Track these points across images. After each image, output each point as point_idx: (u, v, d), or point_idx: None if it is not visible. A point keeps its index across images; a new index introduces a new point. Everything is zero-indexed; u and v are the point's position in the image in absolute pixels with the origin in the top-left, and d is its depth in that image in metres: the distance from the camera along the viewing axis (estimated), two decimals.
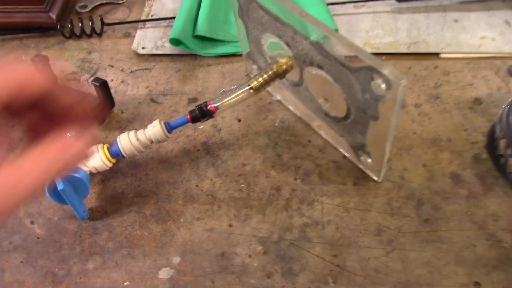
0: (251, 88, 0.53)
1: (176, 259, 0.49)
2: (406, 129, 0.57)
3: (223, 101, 0.52)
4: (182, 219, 0.52)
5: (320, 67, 0.48)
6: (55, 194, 0.49)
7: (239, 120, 0.61)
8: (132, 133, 0.52)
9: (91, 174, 0.53)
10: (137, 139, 0.52)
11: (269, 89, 0.61)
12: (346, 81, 0.45)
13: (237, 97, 0.52)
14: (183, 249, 0.50)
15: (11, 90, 0.29)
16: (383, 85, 0.40)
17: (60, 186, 0.47)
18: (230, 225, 0.51)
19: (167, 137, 0.52)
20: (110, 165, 0.53)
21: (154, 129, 0.52)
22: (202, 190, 0.54)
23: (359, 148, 0.52)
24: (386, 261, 0.47)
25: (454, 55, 0.65)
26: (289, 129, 0.59)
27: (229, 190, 0.54)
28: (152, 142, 0.52)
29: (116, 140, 0.53)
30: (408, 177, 0.53)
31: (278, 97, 0.62)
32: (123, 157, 0.52)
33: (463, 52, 0.65)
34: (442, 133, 0.57)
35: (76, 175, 0.49)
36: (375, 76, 0.41)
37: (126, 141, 0.52)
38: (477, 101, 0.60)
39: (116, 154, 0.52)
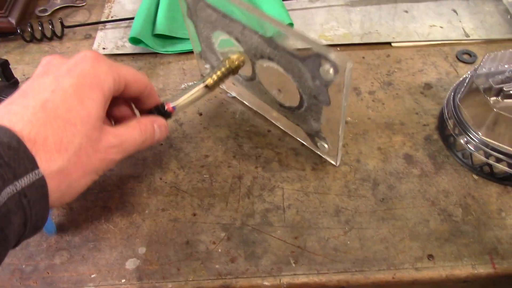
0: (206, 86, 0.54)
1: (142, 250, 0.50)
2: (361, 115, 0.60)
3: (179, 101, 0.53)
4: (147, 211, 0.53)
5: (270, 59, 0.49)
6: None
7: (201, 114, 0.62)
8: None
9: None
10: None
11: (223, 86, 0.63)
12: (297, 70, 0.47)
13: (193, 96, 0.54)
14: (149, 240, 0.51)
15: (129, 83, 0.47)
16: (331, 70, 0.42)
17: None
18: (194, 214, 0.52)
19: None
20: None
21: None
22: (165, 183, 0.55)
23: (315, 135, 0.54)
24: (345, 240, 0.49)
25: (405, 43, 0.68)
26: (249, 120, 0.61)
27: (192, 181, 0.55)
28: None
29: None
30: (364, 160, 0.56)
31: (233, 94, 0.64)
32: None
33: (413, 40, 0.68)
34: (395, 117, 0.60)
35: None
36: (322, 62, 0.43)
37: None
38: (428, 86, 0.63)
39: None
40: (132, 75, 0.47)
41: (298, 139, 0.58)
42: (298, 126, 0.55)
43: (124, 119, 0.50)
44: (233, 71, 0.55)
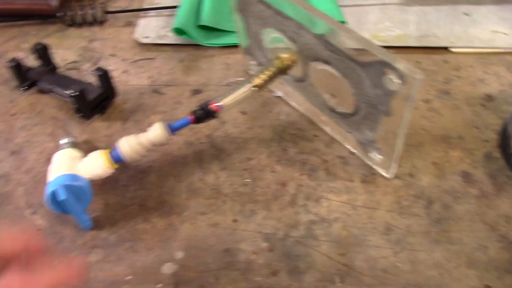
0: (255, 85, 0.51)
1: (179, 254, 0.48)
2: (416, 125, 0.56)
3: (225, 100, 0.50)
4: (185, 213, 0.51)
5: (326, 62, 0.46)
6: (57, 204, 0.47)
7: (244, 113, 0.59)
8: (132, 137, 0.50)
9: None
10: (138, 143, 0.50)
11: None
12: (355, 76, 0.44)
13: (240, 96, 0.51)
14: (187, 244, 0.48)
15: None
16: (396, 80, 0.39)
17: (61, 197, 0.45)
18: (234, 221, 0.50)
19: (169, 139, 0.51)
20: (111, 171, 0.51)
21: (156, 132, 0.50)
22: (206, 184, 0.53)
23: (368, 144, 0.50)
24: (395, 262, 0.46)
25: (465, 49, 0.64)
26: (295, 123, 0.58)
27: (233, 184, 0.53)
28: (154, 145, 0.51)
29: (116, 145, 0.50)
30: (418, 175, 0.52)
31: (279, 94, 0.61)
32: (125, 162, 0.51)
33: (474, 46, 0.64)
34: (453, 130, 0.56)
35: (77, 183, 0.47)
36: (387, 71, 0.40)
37: (127, 146, 0.50)
38: (489, 97, 0.58)
39: (117, 159, 0.50)
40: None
41: (347, 146, 0.55)
42: (350, 133, 0.52)
43: None
44: (283, 71, 0.52)
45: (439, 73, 0.61)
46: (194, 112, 0.50)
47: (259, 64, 0.59)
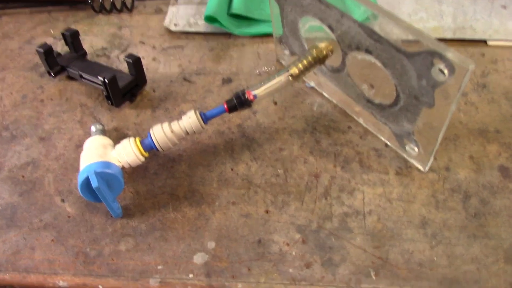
0: (291, 75, 0.50)
1: (211, 244, 0.47)
2: (452, 119, 0.55)
3: (261, 89, 0.49)
4: (217, 203, 0.50)
5: (368, 51, 0.45)
6: (89, 192, 0.47)
7: (275, 103, 0.58)
8: (166, 125, 0.49)
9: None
10: (172, 131, 0.49)
11: None
12: (399, 66, 0.43)
13: (276, 85, 0.50)
14: (218, 234, 0.48)
15: None
16: (445, 70, 0.38)
17: (94, 184, 0.45)
18: (266, 211, 0.49)
19: (203, 128, 0.50)
20: (143, 159, 0.50)
21: (190, 120, 0.49)
22: (237, 174, 0.52)
23: (405, 136, 0.49)
24: (431, 255, 0.45)
25: (503, 42, 0.62)
26: (327, 114, 0.57)
27: (265, 175, 0.52)
28: (187, 133, 0.50)
29: (149, 132, 0.50)
30: (454, 168, 0.51)
31: (312, 84, 0.60)
32: (157, 150, 0.50)
33: None
34: (490, 123, 0.54)
35: (110, 171, 0.47)
36: (435, 61, 0.38)
37: (161, 133, 0.49)
38: None
39: (149, 148, 0.50)
40: None
41: (382, 138, 0.54)
42: (386, 125, 0.51)
43: None
44: (320, 61, 0.51)
45: (476, 66, 0.60)
46: (229, 101, 0.49)
47: (293, 53, 0.58)
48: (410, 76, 0.42)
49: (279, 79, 0.50)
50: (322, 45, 0.50)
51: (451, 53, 0.37)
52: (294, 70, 0.50)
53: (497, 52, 0.61)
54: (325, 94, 0.58)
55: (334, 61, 0.51)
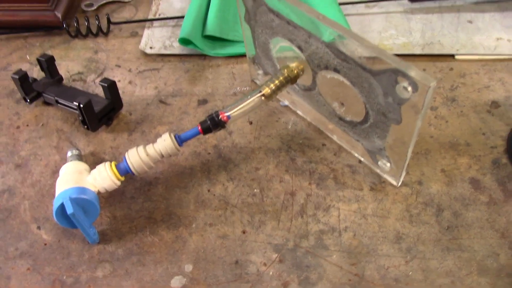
0: (263, 95, 0.51)
1: (188, 267, 0.47)
2: (423, 133, 0.56)
3: (235, 110, 0.50)
4: (194, 225, 0.50)
5: (336, 70, 0.46)
6: (65, 218, 0.47)
7: (251, 123, 0.59)
8: (141, 148, 0.50)
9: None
10: (147, 155, 0.49)
11: None
12: (366, 84, 0.44)
13: (249, 105, 0.51)
14: (196, 257, 0.48)
15: None
16: (409, 88, 0.39)
17: (69, 210, 0.45)
18: (243, 232, 0.50)
19: (178, 150, 0.50)
20: (119, 183, 0.50)
21: (165, 143, 0.49)
22: (214, 195, 0.53)
23: (377, 153, 0.50)
24: (406, 270, 0.46)
25: (470, 56, 0.64)
26: (302, 132, 0.58)
27: (242, 195, 0.52)
28: (162, 156, 0.50)
29: (124, 156, 0.50)
30: (427, 182, 0.52)
31: (286, 102, 0.60)
32: (133, 174, 0.50)
33: (479, 54, 0.64)
34: (460, 137, 0.56)
35: (85, 196, 0.47)
36: (399, 79, 0.39)
37: (136, 157, 0.49)
38: (495, 104, 0.58)
39: (125, 172, 0.50)
40: None
41: (355, 155, 0.54)
42: (358, 141, 0.52)
43: None
44: (291, 80, 0.52)
45: (444, 81, 0.61)
46: (203, 123, 0.50)
47: (266, 73, 0.59)
48: (377, 94, 0.43)
49: (252, 99, 0.51)
50: (293, 65, 0.51)
51: (414, 71, 0.38)
52: (267, 90, 0.51)
53: (464, 66, 0.63)
54: (299, 112, 0.59)
55: (305, 80, 0.52)
